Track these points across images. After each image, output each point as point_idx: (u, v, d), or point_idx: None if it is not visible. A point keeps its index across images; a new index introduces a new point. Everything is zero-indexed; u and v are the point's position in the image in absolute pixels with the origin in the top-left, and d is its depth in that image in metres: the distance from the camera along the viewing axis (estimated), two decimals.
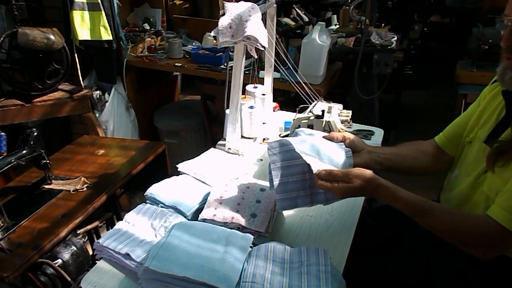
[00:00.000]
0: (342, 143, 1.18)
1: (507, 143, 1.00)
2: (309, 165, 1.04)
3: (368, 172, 1.03)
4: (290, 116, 1.79)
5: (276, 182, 1.09)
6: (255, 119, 1.66)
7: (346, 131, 1.61)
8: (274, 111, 1.87)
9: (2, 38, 1.99)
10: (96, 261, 1.10)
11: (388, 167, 1.24)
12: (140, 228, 1.15)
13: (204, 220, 1.16)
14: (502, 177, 1.00)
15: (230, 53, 2.32)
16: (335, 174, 1.02)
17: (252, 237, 1.09)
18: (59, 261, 1.33)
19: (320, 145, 1.12)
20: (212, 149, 1.57)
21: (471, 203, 1.11)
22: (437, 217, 1.01)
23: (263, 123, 1.74)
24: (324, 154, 1.09)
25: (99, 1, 2.44)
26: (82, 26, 2.43)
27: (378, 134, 1.71)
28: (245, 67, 1.48)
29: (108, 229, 1.55)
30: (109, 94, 2.75)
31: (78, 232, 1.49)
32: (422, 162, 1.30)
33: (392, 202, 1.02)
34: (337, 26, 3.23)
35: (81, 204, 1.51)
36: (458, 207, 1.15)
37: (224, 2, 1.39)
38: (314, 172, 1.03)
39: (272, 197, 1.23)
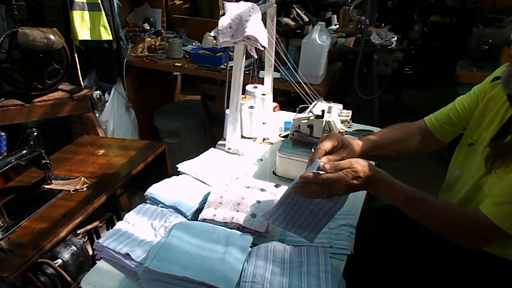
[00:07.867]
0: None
1: (505, 146, 1.00)
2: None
3: (367, 161, 1.02)
4: (290, 116, 1.79)
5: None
6: (255, 119, 1.66)
7: (346, 131, 1.61)
8: (274, 111, 1.87)
9: (2, 38, 1.98)
10: (96, 261, 1.10)
11: (373, 158, 1.27)
12: (140, 228, 1.15)
13: (204, 220, 1.16)
14: (502, 179, 0.99)
15: (230, 53, 2.32)
16: (339, 164, 0.99)
17: (252, 237, 1.09)
18: (59, 261, 1.33)
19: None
20: (212, 149, 1.58)
21: (473, 205, 1.10)
22: (429, 204, 1.01)
23: (263, 123, 1.74)
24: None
25: (99, 1, 2.44)
26: (82, 26, 2.43)
27: None
28: (245, 67, 1.48)
29: (108, 229, 1.55)
30: (109, 94, 2.75)
31: (78, 232, 1.48)
32: (408, 145, 1.31)
33: (387, 189, 1.01)
34: (337, 26, 3.23)
35: (81, 204, 1.51)
36: None
37: (224, 2, 1.39)
38: (316, 168, 0.99)
39: (272, 197, 1.23)
